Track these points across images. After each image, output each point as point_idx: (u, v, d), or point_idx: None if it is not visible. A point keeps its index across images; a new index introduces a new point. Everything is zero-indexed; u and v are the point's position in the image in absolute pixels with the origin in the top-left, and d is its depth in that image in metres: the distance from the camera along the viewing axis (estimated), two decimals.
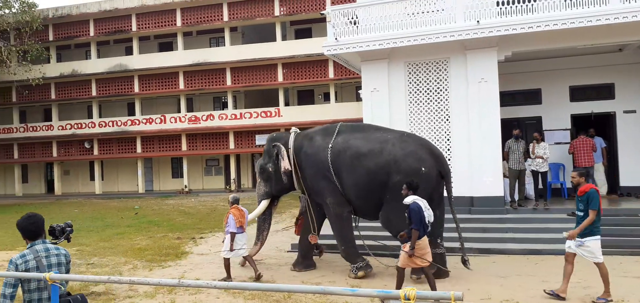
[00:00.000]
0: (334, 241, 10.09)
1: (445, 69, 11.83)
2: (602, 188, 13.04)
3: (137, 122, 32.42)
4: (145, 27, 32.31)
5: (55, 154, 34.32)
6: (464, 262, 8.43)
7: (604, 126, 13.51)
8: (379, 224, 9.24)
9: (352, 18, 12.41)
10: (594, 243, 6.96)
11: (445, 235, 10.23)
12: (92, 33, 33.25)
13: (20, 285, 4.00)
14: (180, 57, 31.58)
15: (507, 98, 13.37)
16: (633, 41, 11.53)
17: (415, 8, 11.94)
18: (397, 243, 8.38)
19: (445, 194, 8.91)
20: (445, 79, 11.81)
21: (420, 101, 12.00)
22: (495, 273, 8.66)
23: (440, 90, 11.85)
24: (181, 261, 10.72)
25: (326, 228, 10.45)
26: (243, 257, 9.38)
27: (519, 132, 12.00)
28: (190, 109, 33.37)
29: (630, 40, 11.36)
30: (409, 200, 7.31)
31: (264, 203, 9.82)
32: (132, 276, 9.38)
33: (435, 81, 11.90)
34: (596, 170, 12.68)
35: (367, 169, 8.72)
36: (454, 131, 11.68)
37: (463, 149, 11.56)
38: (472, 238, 10.53)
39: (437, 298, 2.94)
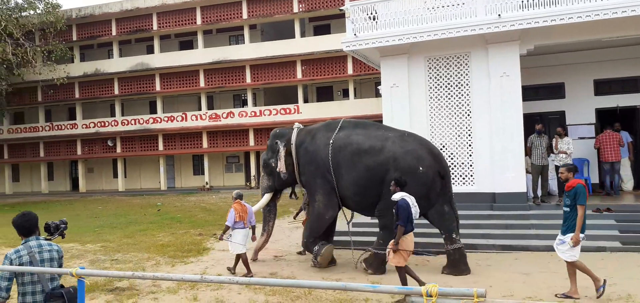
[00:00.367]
0: (347, 238, 10.11)
1: (466, 64, 11.70)
2: (628, 183, 12.79)
3: (159, 120, 32.85)
4: (166, 26, 32.68)
5: (79, 152, 35.00)
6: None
7: (629, 120, 13.21)
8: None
9: (371, 13, 12.34)
10: (567, 244, 6.87)
11: (465, 231, 10.17)
12: (114, 32, 33.76)
13: (15, 278, 4.18)
14: (201, 55, 31.86)
15: (530, 92, 13.17)
16: None
17: (435, 2, 11.82)
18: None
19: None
20: (466, 74, 11.68)
21: (441, 97, 11.89)
22: (518, 270, 8.55)
23: (461, 85, 11.72)
24: (203, 258, 10.83)
25: (341, 224, 10.47)
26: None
27: (541, 127, 11.81)
28: (210, 106, 33.67)
29: None
30: (397, 196, 7.36)
31: (267, 197, 10.08)
32: (155, 272, 9.52)
33: (456, 76, 11.77)
34: (622, 165, 12.43)
35: (366, 166, 8.85)
36: (475, 126, 11.55)
37: (485, 145, 11.42)
38: (494, 234, 10.43)
39: (460, 295, 2.91)
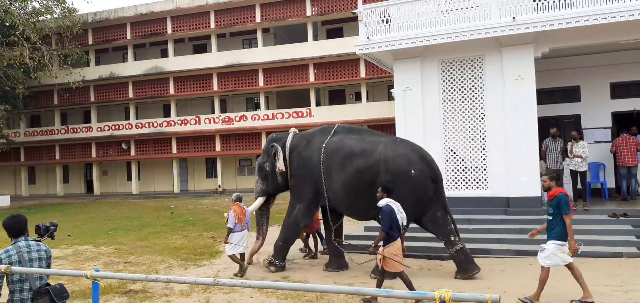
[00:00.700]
0: (360, 242, 10.07)
1: (480, 67, 11.61)
2: None
3: (173, 123, 33.09)
4: (180, 30, 32.94)
5: (94, 155, 35.37)
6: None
7: None
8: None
9: (384, 16, 12.32)
10: (554, 246, 6.85)
11: (479, 236, 10.09)
12: (128, 36, 34.12)
13: (5, 277, 4.38)
14: (214, 58, 32.06)
15: (545, 96, 13.04)
16: None
17: (449, 5, 11.76)
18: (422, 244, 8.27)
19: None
20: (480, 77, 11.59)
21: (455, 100, 11.81)
22: (533, 276, 8.42)
23: (475, 88, 11.63)
24: (215, 261, 10.87)
25: (352, 228, 10.44)
26: (229, 256, 9.62)
27: (556, 131, 11.69)
28: (223, 110, 33.84)
29: None
30: (382, 202, 7.34)
31: (260, 200, 10.07)
32: (168, 275, 9.57)
33: (470, 79, 11.69)
34: (639, 170, 12.24)
35: (357, 168, 8.89)
36: (489, 130, 11.45)
37: (499, 149, 11.32)
38: (508, 239, 10.33)
39: (474, 301, 2.88)
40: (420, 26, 11.77)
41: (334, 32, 31.77)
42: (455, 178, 11.74)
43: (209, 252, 11.73)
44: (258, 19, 30.99)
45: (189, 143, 33.19)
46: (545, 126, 12.11)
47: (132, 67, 34.19)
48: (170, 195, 32.03)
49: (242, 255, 9.65)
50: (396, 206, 7.28)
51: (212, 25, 31.98)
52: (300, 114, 30.15)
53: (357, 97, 31.33)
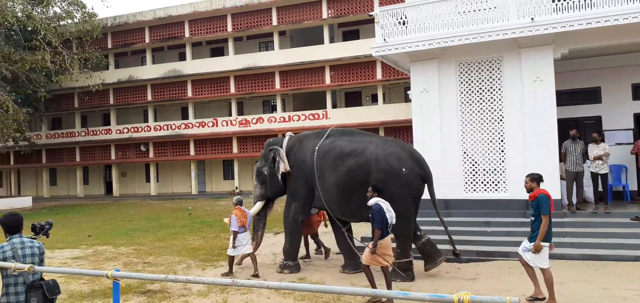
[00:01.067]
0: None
1: (498, 69, 11.51)
2: None
3: (190, 125, 33.40)
4: (198, 33, 33.25)
5: (113, 156, 35.86)
6: (456, 255, 9.10)
7: None
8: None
9: (401, 18, 12.28)
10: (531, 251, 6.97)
11: (498, 239, 10.02)
12: (147, 40, 34.54)
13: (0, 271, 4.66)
14: (231, 62, 32.28)
15: (564, 97, 12.85)
16: None
17: (467, 6, 11.67)
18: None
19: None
20: (499, 79, 11.49)
21: (473, 102, 11.72)
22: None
23: (493, 90, 11.53)
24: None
25: (365, 230, 10.42)
26: (242, 256, 9.88)
27: (576, 132, 11.51)
28: (240, 112, 34.04)
29: None
30: (372, 201, 7.51)
31: (259, 204, 10.28)
32: (186, 275, 9.66)
33: (488, 80, 11.59)
34: None
35: (348, 167, 9.05)
36: (508, 132, 11.34)
37: (518, 151, 11.19)
38: None
39: None
40: (437, 28, 11.70)
41: (350, 34, 31.76)
42: (474, 180, 11.65)
43: (227, 253, 11.79)
44: (274, 22, 31.12)
45: (206, 145, 33.47)
46: (565, 128, 11.93)
47: (150, 71, 34.61)
48: (188, 196, 32.31)
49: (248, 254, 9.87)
50: (385, 205, 7.47)
51: (229, 28, 32.21)
52: (316, 116, 30.20)
53: (374, 99, 31.26)
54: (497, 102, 11.47)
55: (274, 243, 12.13)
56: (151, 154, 34.88)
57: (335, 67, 30.18)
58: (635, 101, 12.93)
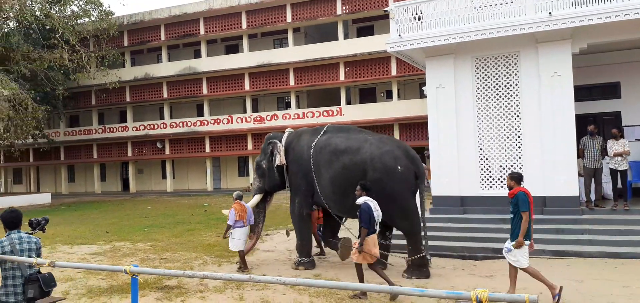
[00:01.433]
0: (396, 241, 10.02)
1: (515, 64, 11.38)
2: None
3: (206, 122, 33.63)
4: (213, 31, 33.42)
5: (130, 153, 36.26)
6: (427, 260, 8.93)
7: None
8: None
9: (417, 14, 12.20)
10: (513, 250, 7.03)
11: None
12: (163, 37, 34.82)
13: None
14: (246, 59, 32.40)
15: (583, 93, 12.67)
16: None
17: (483, 1, 11.56)
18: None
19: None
20: (515, 74, 11.36)
21: (489, 97, 11.60)
22: (571, 277, 8.24)
23: (510, 85, 11.40)
24: (248, 258, 10.97)
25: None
26: (237, 252, 9.88)
27: (594, 128, 11.34)
28: (255, 109, 34.18)
29: None
30: (360, 200, 7.61)
31: (257, 197, 10.49)
32: (203, 271, 9.73)
33: (505, 76, 11.47)
34: None
35: (343, 164, 9.17)
36: (525, 128, 11.21)
37: (535, 147, 11.07)
38: (545, 239, 10.10)
39: (512, 301, 2.84)
40: (453, 23, 11.60)
41: (365, 30, 31.65)
42: (490, 176, 11.55)
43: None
44: (289, 19, 31.15)
45: (221, 142, 33.67)
46: (584, 123, 11.77)
47: (166, 68, 34.90)
48: (203, 192, 32.55)
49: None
50: (373, 204, 7.55)
51: (244, 25, 32.31)
52: (330, 113, 30.18)
53: (388, 95, 31.13)
54: (514, 98, 11.35)
55: (288, 240, 12.15)
56: (167, 151, 35.19)
57: (349, 63, 30.12)
58: None
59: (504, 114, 11.45)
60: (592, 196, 11.24)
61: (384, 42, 13.33)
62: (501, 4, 11.32)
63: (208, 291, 8.19)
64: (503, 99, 11.46)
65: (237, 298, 7.75)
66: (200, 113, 35.42)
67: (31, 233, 5.26)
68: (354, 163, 9.04)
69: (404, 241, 9.24)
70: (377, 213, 7.55)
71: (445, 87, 11.94)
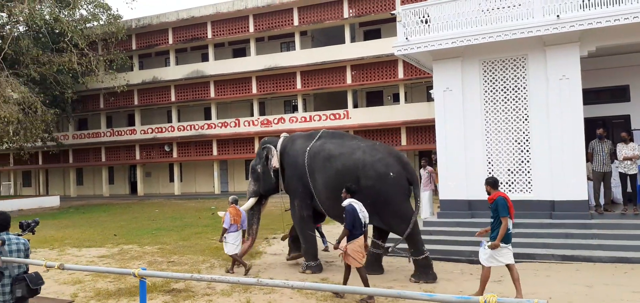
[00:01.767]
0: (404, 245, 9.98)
1: (523, 67, 11.33)
2: None
3: (213, 126, 33.75)
4: (220, 34, 33.56)
5: (138, 157, 36.45)
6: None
7: None
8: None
9: (424, 17, 12.18)
10: (487, 249, 7.15)
11: (523, 241, 9.89)
12: (170, 41, 35.01)
13: None
14: (253, 62, 32.49)
15: (591, 96, 12.59)
16: None
17: (490, 4, 11.53)
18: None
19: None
20: (523, 77, 11.30)
21: (497, 100, 11.55)
22: (580, 282, 8.18)
23: (518, 89, 11.35)
24: (255, 261, 11.00)
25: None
26: (230, 256, 9.98)
27: (603, 132, 11.25)
28: (262, 112, 34.26)
29: None
30: (345, 202, 7.71)
31: (252, 200, 10.58)
32: (210, 274, 9.75)
33: (513, 79, 11.42)
34: None
35: (336, 170, 9.30)
36: (533, 131, 11.15)
37: (543, 151, 11.00)
38: (554, 244, 10.04)
39: None
40: (460, 26, 11.58)
41: (372, 33, 31.65)
42: (498, 180, 11.47)
43: (249, 253, 11.86)
44: (296, 22, 31.21)
45: (229, 145, 33.77)
46: (593, 127, 11.68)
47: (174, 72, 35.07)
48: (211, 195, 32.63)
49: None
50: (358, 206, 7.63)
51: (251, 29, 32.42)
52: (337, 116, 30.19)
53: (395, 98, 31.10)
54: (522, 101, 11.30)
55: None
56: (175, 154, 35.34)
57: (356, 66, 30.12)
58: None
59: (511, 118, 11.40)
60: (602, 201, 11.15)
61: (391, 45, 13.32)
62: (509, 7, 11.29)
63: (215, 294, 8.20)
64: (511, 102, 11.41)
65: (245, 301, 7.76)
66: (207, 116, 35.56)
67: (20, 235, 5.38)
68: (347, 168, 9.17)
69: (405, 245, 9.24)
70: (363, 215, 7.63)
71: (453, 90, 11.90)
